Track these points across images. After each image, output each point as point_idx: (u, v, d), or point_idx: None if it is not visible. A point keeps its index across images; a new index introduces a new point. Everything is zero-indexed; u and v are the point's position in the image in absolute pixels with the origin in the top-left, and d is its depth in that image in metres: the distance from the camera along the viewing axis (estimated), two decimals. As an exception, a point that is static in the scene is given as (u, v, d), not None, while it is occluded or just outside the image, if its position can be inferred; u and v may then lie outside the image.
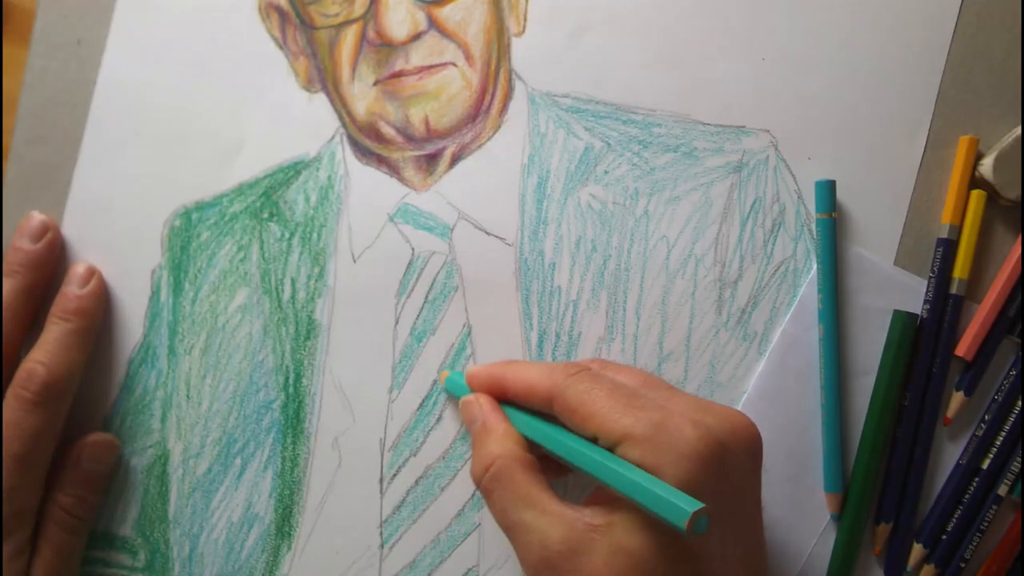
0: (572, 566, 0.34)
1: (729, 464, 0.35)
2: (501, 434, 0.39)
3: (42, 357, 0.43)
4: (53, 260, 0.46)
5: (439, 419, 0.46)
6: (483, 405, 0.41)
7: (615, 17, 0.46)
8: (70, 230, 0.47)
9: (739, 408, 0.44)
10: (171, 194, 0.47)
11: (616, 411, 0.35)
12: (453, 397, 0.45)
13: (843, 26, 0.45)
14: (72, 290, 0.45)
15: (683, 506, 0.31)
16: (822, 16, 0.45)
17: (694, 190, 0.46)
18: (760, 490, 0.38)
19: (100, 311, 0.46)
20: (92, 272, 0.46)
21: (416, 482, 0.46)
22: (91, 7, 0.48)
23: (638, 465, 0.34)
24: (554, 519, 0.35)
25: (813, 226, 0.45)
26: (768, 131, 0.45)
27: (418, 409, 0.46)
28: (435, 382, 0.46)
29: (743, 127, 0.45)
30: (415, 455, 0.46)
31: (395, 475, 0.46)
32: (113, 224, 0.47)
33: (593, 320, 0.46)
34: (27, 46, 0.48)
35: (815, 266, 0.45)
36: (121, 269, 0.47)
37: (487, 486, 0.38)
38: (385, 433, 0.46)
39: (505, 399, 0.42)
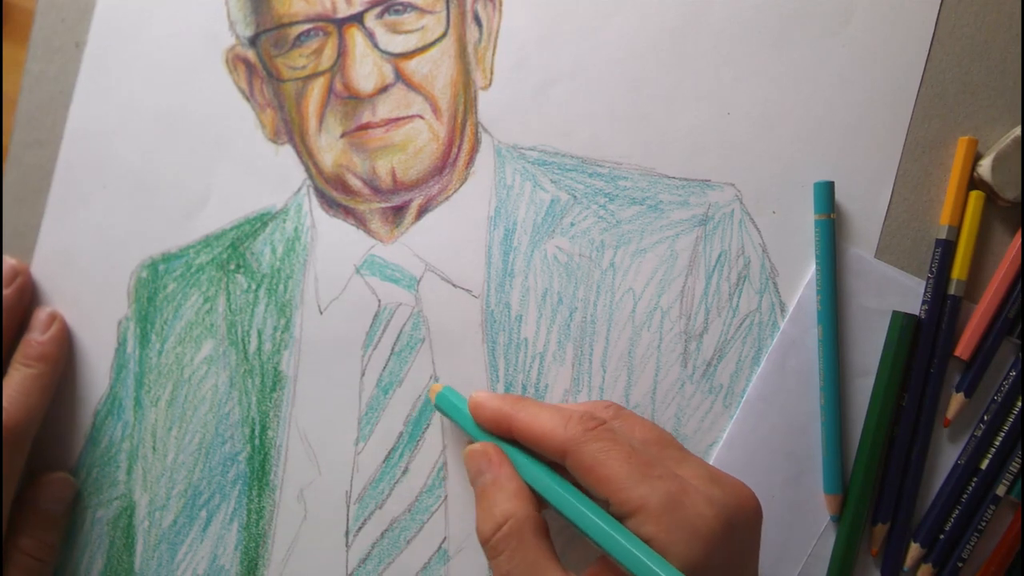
0: None
1: (736, 540, 0.35)
2: (514, 491, 0.38)
3: (2, 402, 0.43)
4: (23, 305, 0.46)
5: (405, 471, 0.46)
6: (492, 458, 0.39)
7: (581, 71, 0.46)
8: (37, 280, 0.47)
9: (737, 412, 0.45)
10: (137, 245, 0.47)
11: (632, 479, 0.35)
12: (441, 413, 0.44)
13: (810, 74, 0.45)
14: (34, 336, 0.45)
15: None
16: (788, 70, 0.45)
17: (660, 243, 0.46)
18: (758, 559, 0.38)
19: (62, 357, 0.46)
20: (53, 317, 0.46)
21: (382, 535, 0.45)
22: (89, 11, 0.48)
23: (650, 540, 0.34)
24: None
25: (778, 280, 0.45)
26: (733, 185, 0.45)
27: (384, 462, 0.46)
28: (401, 434, 0.46)
29: (708, 181, 0.46)
30: (381, 508, 0.46)
31: (360, 528, 0.46)
32: (79, 275, 0.47)
33: (559, 372, 0.46)
34: (26, 47, 0.48)
35: (814, 267, 0.45)
36: (87, 320, 0.47)
37: (497, 546, 0.36)
38: (351, 486, 0.46)
39: (510, 440, 0.40)
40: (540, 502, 0.38)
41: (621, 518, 0.35)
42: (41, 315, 0.46)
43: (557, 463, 0.38)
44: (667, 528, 0.33)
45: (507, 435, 0.40)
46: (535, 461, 0.39)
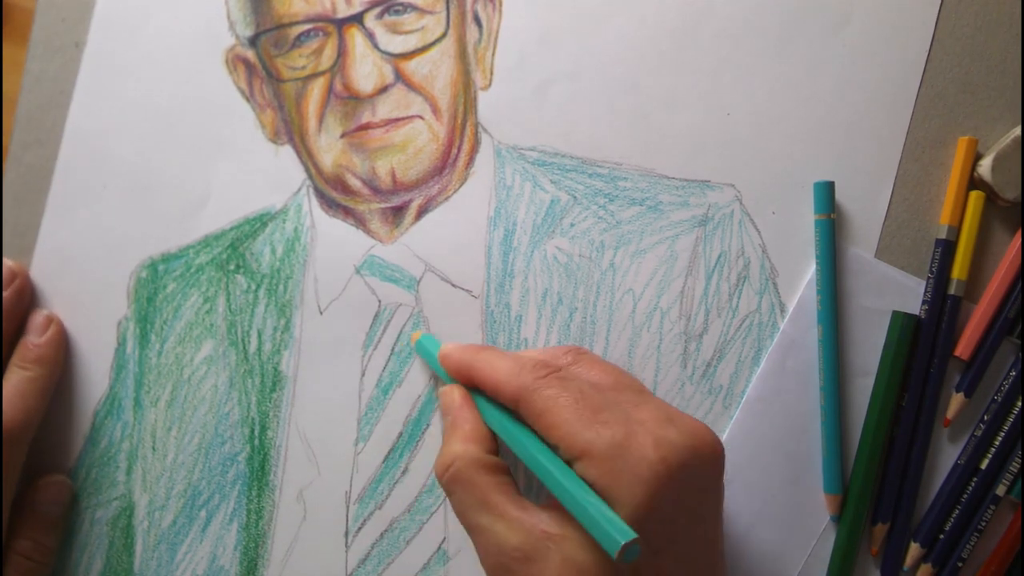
0: (526, 571, 0.35)
1: (688, 484, 0.35)
2: (466, 433, 0.39)
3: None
4: (21, 307, 0.46)
5: (405, 472, 0.46)
6: (455, 399, 0.41)
7: (581, 71, 0.46)
8: (36, 280, 0.47)
9: (737, 412, 0.45)
10: (137, 245, 0.47)
11: (579, 424, 0.35)
12: (421, 358, 0.45)
13: (811, 74, 0.45)
14: (31, 339, 0.45)
15: (616, 536, 0.32)
16: (788, 70, 0.45)
17: (659, 243, 0.46)
18: (721, 506, 0.38)
19: (59, 359, 0.46)
20: (50, 320, 0.46)
21: (381, 535, 0.45)
22: (89, 10, 0.48)
23: (593, 484, 0.34)
24: (512, 524, 0.35)
25: (778, 280, 0.45)
26: (733, 185, 0.45)
27: (383, 462, 0.46)
28: (401, 434, 0.46)
29: (708, 181, 0.46)
30: (380, 508, 0.46)
31: (360, 528, 0.46)
32: (79, 275, 0.47)
33: (559, 372, 0.45)
34: (26, 47, 0.48)
35: (814, 267, 0.45)
36: (87, 320, 0.47)
37: (447, 487, 0.38)
38: (351, 486, 0.46)
39: (475, 388, 0.41)
40: (502, 445, 0.39)
41: (569, 463, 0.35)
42: (38, 318, 0.46)
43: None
44: (609, 472, 0.34)
45: (470, 384, 0.41)
46: (496, 405, 0.40)
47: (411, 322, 0.46)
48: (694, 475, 0.35)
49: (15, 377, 0.44)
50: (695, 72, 0.46)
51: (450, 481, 0.38)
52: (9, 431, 0.43)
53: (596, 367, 0.40)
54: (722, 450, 0.37)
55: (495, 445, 0.39)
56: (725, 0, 0.46)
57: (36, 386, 0.45)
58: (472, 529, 0.37)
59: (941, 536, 0.44)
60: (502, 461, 0.39)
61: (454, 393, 0.41)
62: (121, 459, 0.47)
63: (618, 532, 0.32)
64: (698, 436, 0.36)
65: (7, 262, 0.46)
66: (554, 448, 0.36)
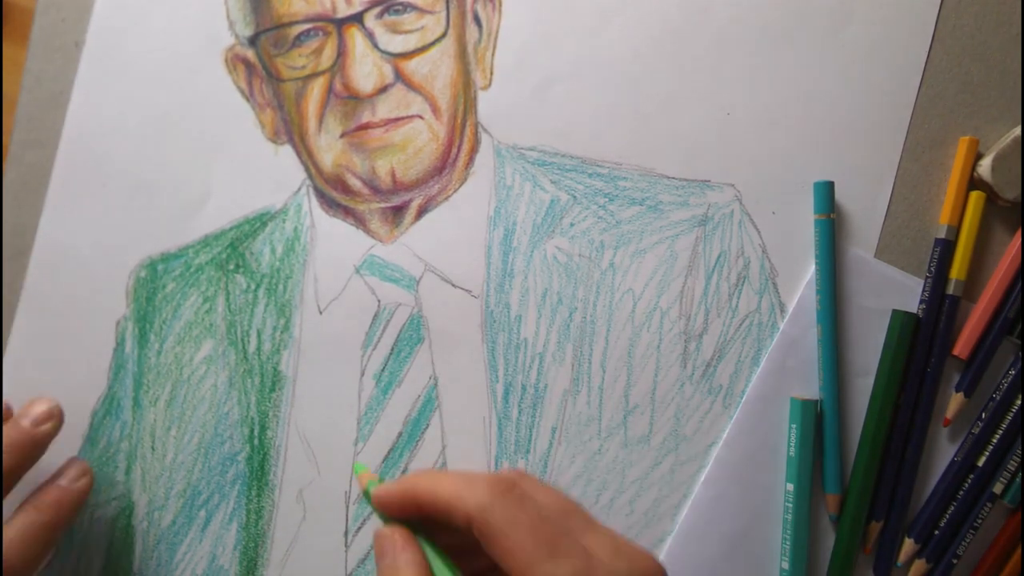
0: None
1: None
2: None
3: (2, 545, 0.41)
4: (43, 447, 0.44)
5: (404, 471, 0.46)
6: (396, 542, 0.37)
7: (580, 71, 0.46)
8: (35, 280, 0.47)
9: (737, 412, 0.45)
10: (136, 245, 0.47)
11: (539, 554, 0.33)
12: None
13: (811, 75, 0.45)
14: (61, 482, 0.44)
15: None
16: (788, 70, 0.45)
17: (659, 243, 0.46)
18: None
19: (76, 513, 0.44)
20: (86, 472, 0.45)
21: (380, 536, 0.45)
22: (88, 11, 0.48)
23: None
24: None
25: (778, 280, 0.45)
26: (733, 185, 0.45)
27: (383, 462, 0.46)
28: (400, 434, 0.46)
29: (708, 181, 0.46)
30: (380, 508, 0.45)
31: (360, 528, 0.46)
32: (78, 274, 0.47)
33: (559, 372, 0.46)
34: (26, 47, 0.48)
35: (813, 266, 0.45)
36: (85, 320, 0.47)
37: None
38: (350, 486, 0.46)
39: (423, 517, 0.37)
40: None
41: None
42: (76, 465, 0.45)
43: (468, 536, 0.36)
44: None
45: (417, 513, 0.37)
46: (437, 551, 0.37)
47: (410, 322, 0.46)
48: None
49: (27, 520, 0.42)
50: (695, 72, 0.46)
51: None
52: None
53: (541, 490, 0.38)
54: None
55: None
56: (725, 1, 0.46)
57: (44, 533, 0.42)
58: None
59: (936, 532, 0.44)
60: None
61: (394, 535, 0.37)
62: (120, 459, 0.47)
63: None
64: (647, 569, 0.35)
65: (44, 403, 0.44)
66: (507, 574, 0.34)
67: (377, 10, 0.46)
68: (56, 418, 0.44)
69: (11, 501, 0.43)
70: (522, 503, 0.35)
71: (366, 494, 0.38)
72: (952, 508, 0.43)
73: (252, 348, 0.47)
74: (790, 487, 0.44)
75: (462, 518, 0.35)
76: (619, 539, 0.36)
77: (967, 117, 0.45)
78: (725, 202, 0.45)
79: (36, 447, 0.43)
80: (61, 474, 0.44)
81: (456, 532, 0.36)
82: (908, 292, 0.45)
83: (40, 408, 0.43)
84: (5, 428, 0.43)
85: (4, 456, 0.42)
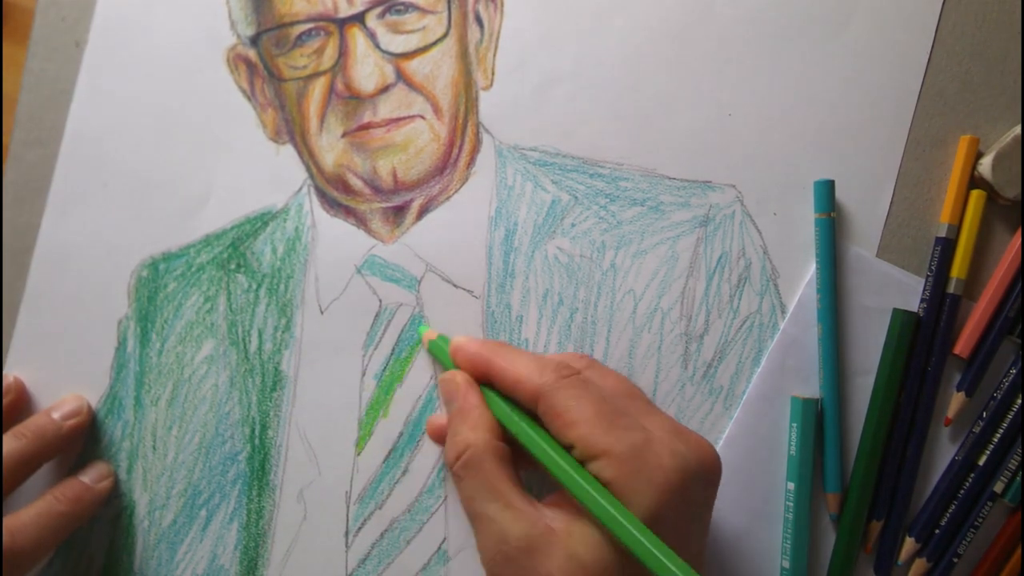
0: (527, 563, 0.35)
1: (692, 494, 0.36)
2: (475, 420, 0.39)
3: (13, 525, 0.41)
4: (68, 442, 0.46)
5: (405, 472, 0.46)
6: (460, 385, 0.41)
7: (582, 72, 0.46)
8: (35, 280, 0.47)
9: (737, 411, 0.45)
10: (138, 244, 0.47)
11: (600, 426, 0.36)
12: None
13: (812, 74, 0.45)
14: (84, 479, 0.45)
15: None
16: (789, 70, 0.45)
17: (660, 244, 0.46)
18: (711, 515, 0.39)
19: (93, 511, 0.45)
20: (110, 472, 0.46)
21: (381, 535, 0.45)
22: (89, 10, 0.48)
23: (609, 484, 0.35)
24: (518, 515, 0.36)
25: (779, 282, 0.45)
26: (734, 186, 0.45)
27: (384, 462, 0.46)
28: (401, 434, 0.46)
29: (709, 182, 0.46)
30: (380, 508, 0.46)
31: (360, 528, 0.46)
32: (79, 274, 0.47)
33: (560, 373, 0.45)
34: (26, 46, 0.48)
35: (814, 265, 0.45)
36: (87, 319, 0.47)
37: (458, 472, 0.38)
38: (351, 486, 0.46)
39: (486, 381, 0.41)
40: (505, 434, 0.39)
41: (584, 461, 0.36)
42: (102, 465, 0.46)
43: (530, 410, 0.39)
44: (627, 474, 0.34)
45: (485, 379, 0.41)
46: (503, 399, 0.40)
47: (411, 322, 0.46)
48: (698, 488, 0.36)
49: (46, 507, 0.43)
50: (696, 72, 0.46)
51: (462, 467, 0.38)
52: (12, 558, 0.40)
53: (608, 375, 0.41)
54: (721, 468, 0.38)
55: (504, 434, 0.39)
56: (726, 1, 0.46)
57: (59, 523, 0.43)
58: (477, 517, 0.37)
59: (937, 531, 0.44)
60: (510, 451, 0.39)
61: (457, 378, 0.41)
62: (121, 458, 0.47)
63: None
64: (704, 452, 0.37)
65: (75, 399, 0.46)
66: (568, 447, 0.37)
67: (379, 10, 0.46)
68: (83, 415, 0.46)
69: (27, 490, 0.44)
70: (586, 385, 0.38)
71: (430, 346, 0.44)
72: (953, 507, 0.43)
73: (253, 348, 0.47)
74: (790, 486, 0.44)
75: (528, 394, 0.38)
76: (679, 424, 0.39)
77: (967, 116, 0.45)
78: (726, 203, 0.46)
79: (60, 439, 0.45)
80: (84, 471, 0.45)
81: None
82: (909, 291, 0.45)
83: (70, 404, 0.46)
84: (34, 416, 0.45)
85: (27, 441, 0.43)
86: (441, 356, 0.44)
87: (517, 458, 0.39)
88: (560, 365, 0.39)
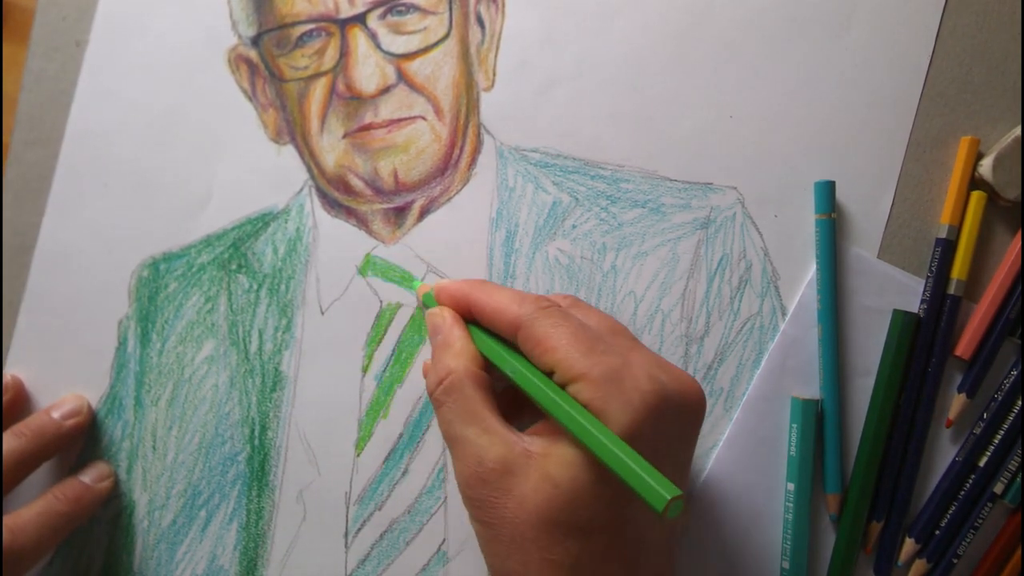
0: (502, 485, 0.35)
1: (670, 422, 0.36)
2: (458, 349, 0.39)
3: (14, 524, 0.41)
4: (68, 441, 0.46)
5: (405, 473, 0.46)
6: (446, 318, 0.41)
7: (583, 73, 0.46)
8: (36, 280, 0.47)
9: (737, 412, 0.45)
10: (139, 245, 0.47)
11: (578, 351, 0.36)
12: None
13: (813, 76, 0.45)
14: (84, 479, 0.45)
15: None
16: (791, 72, 0.46)
17: (661, 245, 0.46)
18: (692, 451, 0.39)
19: (93, 511, 0.46)
20: (111, 473, 0.46)
21: (381, 536, 0.45)
22: (89, 9, 0.48)
23: (587, 406, 0.35)
24: (495, 438, 0.36)
25: (779, 283, 0.45)
26: (735, 188, 0.46)
27: (384, 463, 0.46)
28: (401, 435, 0.46)
29: (710, 184, 0.46)
30: (380, 509, 0.46)
31: (360, 529, 0.46)
32: (80, 274, 0.47)
33: (560, 374, 0.45)
34: (27, 46, 0.48)
35: (814, 266, 0.45)
36: (87, 319, 0.47)
37: (439, 398, 0.38)
38: (350, 487, 0.46)
39: (470, 318, 0.41)
40: (487, 364, 0.40)
41: (563, 385, 0.36)
42: (103, 465, 0.46)
43: (511, 342, 0.39)
44: (604, 395, 0.34)
45: (468, 314, 0.41)
46: (489, 334, 0.40)
47: (412, 323, 0.46)
48: (678, 415, 0.36)
49: (47, 506, 0.43)
50: (698, 74, 0.46)
51: (443, 392, 0.38)
52: (11, 556, 0.40)
53: (592, 313, 0.41)
54: (705, 401, 0.38)
55: (485, 363, 0.39)
56: (727, 2, 0.46)
57: (59, 523, 0.43)
58: (455, 441, 0.37)
59: (936, 532, 0.44)
60: (491, 379, 0.39)
61: (444, 313, 0.41)
62: (122, 458, 0.47)
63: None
64: (686, 384, 0.37)
65: (75, 399, 0.46)
66: (548, 373, 0.37)
67: (380, 11, 0.46)
68: (83, 414, 0.46)
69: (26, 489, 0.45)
70: (566, 315, 0.38)
71: (424, 299, 0.44)
72: (953, 508, 0.44)
73: (253, 348, 0.47)
74: (790, 487, 0.44)
75: (508, 324, 0.38)
76: (663, 360, 0.39)
77: (968, 117, 0.45)
78: (727, 205, 0.46)
79: (60, 438, 0.45)
80: (84, 472, 0.45)
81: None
82: (909, 292, 0.45)
83: (70, 403, 0.46)
84: (34, 415, 0.45)
85: (27, 440, 0.44)
86: (429, 303, 0.44)
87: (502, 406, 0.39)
88: (541, 298, 0.39)
